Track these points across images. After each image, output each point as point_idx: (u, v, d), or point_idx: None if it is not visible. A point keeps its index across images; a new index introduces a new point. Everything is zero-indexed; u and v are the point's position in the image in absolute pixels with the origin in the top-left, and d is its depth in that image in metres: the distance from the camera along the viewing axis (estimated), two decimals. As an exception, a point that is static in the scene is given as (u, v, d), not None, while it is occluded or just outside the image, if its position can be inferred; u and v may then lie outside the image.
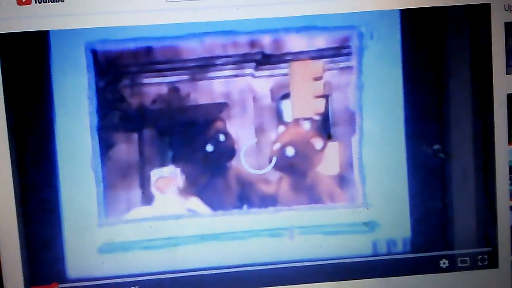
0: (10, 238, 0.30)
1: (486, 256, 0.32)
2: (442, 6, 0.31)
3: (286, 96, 0.31)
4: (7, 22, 0.29)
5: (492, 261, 0.33)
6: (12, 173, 0.30)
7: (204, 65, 0.30)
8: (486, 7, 0.31)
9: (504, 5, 0.31)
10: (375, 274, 0.32)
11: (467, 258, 0.32)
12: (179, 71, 0.30)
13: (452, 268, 0.32)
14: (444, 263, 0.32)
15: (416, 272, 0.32)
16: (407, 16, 0.31)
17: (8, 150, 0.30)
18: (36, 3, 0.29)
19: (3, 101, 0.30)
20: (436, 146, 0.32)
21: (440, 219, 0.32)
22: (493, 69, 0.31)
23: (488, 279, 0.33)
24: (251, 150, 0.31)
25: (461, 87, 0.32)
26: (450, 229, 0.32)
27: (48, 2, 0.29)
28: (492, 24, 0.31)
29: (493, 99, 0.31)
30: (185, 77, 0.30)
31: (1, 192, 0.30)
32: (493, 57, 0.31)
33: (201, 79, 0.30)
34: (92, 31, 0.30)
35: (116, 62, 0.30)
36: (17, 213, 0.30)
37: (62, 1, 0.29)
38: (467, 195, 0.32)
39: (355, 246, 0.32)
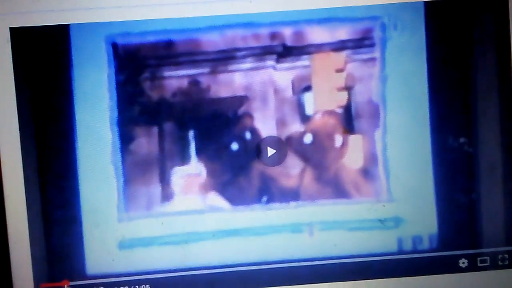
0: (20, 234, 0.30)
1: (506, 256, 0.31)
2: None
3: (308, 88, 0.31)
4: (22, 16, 0.29)
5: (513, 261, 0.32)
6: (30, 167, 0.30)
7: (225, 58, 0.30)
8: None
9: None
10: (392, 274, 0.31)
11: (487, 257, 0.31)
12: (200, 64, 0.30)
13: (471, 268, 0.31)
14: (463, 263, 0.31)
15: (434, 272, 0.31)
16: (431, 6, 0.30)
17: (20, 145, 0.30)
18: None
19: (24, 95, 0.30)
20: (462, 140, 0.31)
21: (465, 215, 0.31)
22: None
23: (509, 280, 0.32)
24: (272, 143, 0.31)
25: (487, 78, 0.31)
26: (472, 227, 0.31)
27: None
28: (510, 14, 0.30)
29: None
30: (206, 70, 0.30)
31: (11, 188, 0.30)
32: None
33: (221, 72, 0.30)
34: (112, 25, 0.30)
35: (136, 55, 0.30)
36: (28, 209, 0.30)
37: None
38: (492, 191, 0.31)
39: (378, 243, 0.31)
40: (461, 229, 0.31)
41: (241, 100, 0.30)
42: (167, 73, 0.30)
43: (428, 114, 0.31)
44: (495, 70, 0.31)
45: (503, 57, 0.31)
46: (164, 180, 0.30)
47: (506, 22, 0.31)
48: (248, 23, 0.30)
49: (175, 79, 0.30)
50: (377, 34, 0.30)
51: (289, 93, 0.31)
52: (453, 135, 0.31)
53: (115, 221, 0.30)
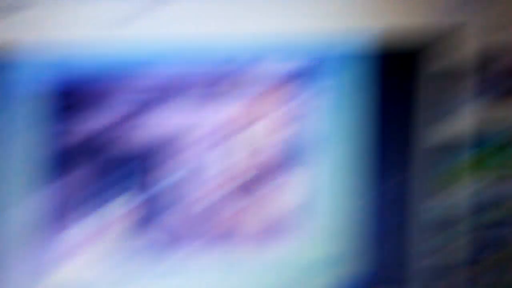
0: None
1: None
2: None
3: (251, 122, 0.29)
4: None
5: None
6: None
7: (161, 96, 0.27)
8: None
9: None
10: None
11: None
12: (129, 103, 0.27)
13: None
14: None
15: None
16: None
17: None
18: None
19: None
20: (398, 178, 0.31)
21: (396, 253, 0.32)
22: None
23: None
24: (210, 179, 0.29)
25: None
26: (405, 264, 0.32)
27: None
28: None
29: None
30: (137, 108, 0.27)
31: None
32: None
33: (157, 110, 0.27)
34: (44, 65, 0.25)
35: (66, 93, 0.26)
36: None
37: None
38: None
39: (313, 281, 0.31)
40: (394, 265, 0.32)
41: (176, 138, 0.28)
42: (94, 112, 0.27)
43: (367, 152, 0.31)
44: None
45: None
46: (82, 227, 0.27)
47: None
48: (187, 61, 0.27)
49: (104, 118, 0.27)
50: (321, 70, 0.30)
51: (231, 127, 0.29)
52: (389, 173, 0.31)
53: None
